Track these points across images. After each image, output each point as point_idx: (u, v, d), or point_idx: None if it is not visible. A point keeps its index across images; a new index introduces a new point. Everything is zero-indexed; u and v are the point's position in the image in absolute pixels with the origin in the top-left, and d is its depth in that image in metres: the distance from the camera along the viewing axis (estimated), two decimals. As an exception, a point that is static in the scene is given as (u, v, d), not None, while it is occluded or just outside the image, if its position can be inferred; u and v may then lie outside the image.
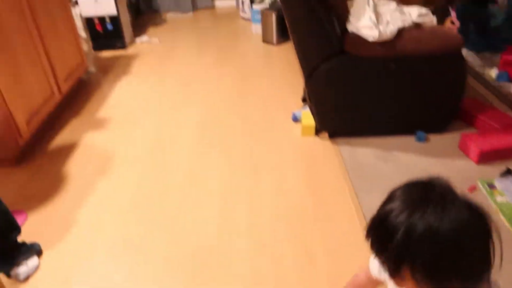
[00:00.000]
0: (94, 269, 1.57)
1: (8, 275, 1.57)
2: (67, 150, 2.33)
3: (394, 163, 2.01)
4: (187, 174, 2.06)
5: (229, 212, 1.81)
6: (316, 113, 2.17)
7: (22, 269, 1.57)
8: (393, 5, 2.18)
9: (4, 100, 2.05)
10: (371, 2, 2.12)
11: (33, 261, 1.61)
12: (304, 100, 2.56)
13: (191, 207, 1.85)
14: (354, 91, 2.08)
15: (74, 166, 2.18)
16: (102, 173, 2.12)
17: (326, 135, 2.26)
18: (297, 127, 2.37)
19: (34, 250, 1.65)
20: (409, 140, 2.16)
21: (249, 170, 2.07)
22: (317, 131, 2.28)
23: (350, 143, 2.18)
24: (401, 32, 1.99)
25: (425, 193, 0.71)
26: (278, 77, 3.03)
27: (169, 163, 2.16)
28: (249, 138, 2.33)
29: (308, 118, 2.28)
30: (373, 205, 1.66)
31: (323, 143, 2.22)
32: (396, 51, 1.98)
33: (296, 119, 2.43)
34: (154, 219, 1.79)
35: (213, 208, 1.84)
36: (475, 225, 0.69)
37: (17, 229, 1.62)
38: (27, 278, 1.57)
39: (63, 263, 1.61)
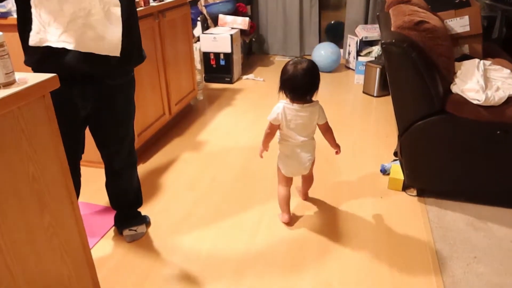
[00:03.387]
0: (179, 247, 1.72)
1: (121, 233, 1.95)
2: (166, 164, 2.58)
3: (486, 233, 1.87)
4: (265, 204, 2.15)
5: (299, 247, 1.84)
6: (406, 168, 2.13)
7: (132, 233, 1.93)
8: (507, 72, 2.10)
9: (125, 113, 2.38)
10: (481, 66, 2.07)
11: (142, 229, 1.96)
12: (396, 154, 2.52)
13: (264, 234, 1.92)
14: (451, 152, 2.01)
15: (169, 178, 2.41)
16: (190, 189, 2.32)
17: (414, 191, 2.20)
18: (384, 179, 2.33)
19: (145, 221, 2.01)
20: (508, 213, 2.00)
21: (328, 210, 2.09)
22: (405, 187, 2.22)
23: (439, 205, 2.08)
24: None
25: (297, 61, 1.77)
26: (372, 128, 3.03)
27: (250, 191, 2.27)
28: (333, 180, 2.35)
29: (397, 171, 2.24)
30: (455, 272, 1.59)
31: (409, 199, 2.16)
32: (504, 118, 1.89)
33: (384, 171, 2.40)
34: (230, 236, 1.89)
35: (283, 239, 1.88)
36: (315, 68, 1.76)
37: (140, 203, 2.00)
38: (133, 241, 1.91)
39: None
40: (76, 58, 1.44)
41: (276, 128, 1.84)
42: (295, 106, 1.76)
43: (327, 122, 1.88)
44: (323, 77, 4.46)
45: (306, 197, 2.19)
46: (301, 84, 1.73)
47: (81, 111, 1.60)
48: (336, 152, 1.99)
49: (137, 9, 2.37)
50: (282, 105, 1.78)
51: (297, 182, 2.17)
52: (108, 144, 1.75)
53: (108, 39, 1.44)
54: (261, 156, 1.97)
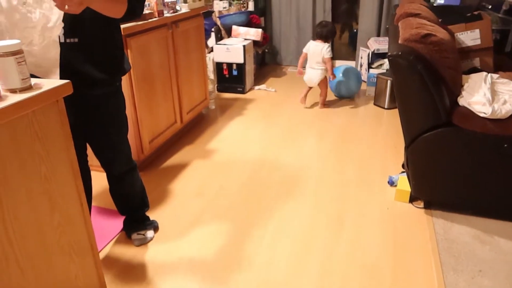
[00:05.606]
0: (183, 258, 1.75)
1: (129, 237, 1.99)
2: (176, 171, 2.63)
3: (492, 247, 1.86)
4: (272, 212, 2.17)
5: (303, 255, 1.85)
6: (412, 180, 2.14)
7: (140, 237, 1.97)
8: (515, 85, 2.10)
9: (137, 121, 2.45)
10: (488, 80, 2.08)
11: (150, 233, 2.00)
12: (404, 166, 2.52)
13: (269, 241, 1.94)
14: (458, 165, 2.01)
15: (178, 185, 2.46)
16: (198, 195, 2.35)
17: (421, 203, 2.20)
18: (391, 191, 2.34)
19: (153, 225, 2.05)
20: (515, 228, 1.99)
21: (333, 220, 2.10)
22: (412, 199, 2.22)
23: (445, 217, 2.08)
24: (519, 112, 1.90)
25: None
26: (382, 140, 3.04)
27: (257, 199, 2.30)
28: (340, 191, 2.37)
29: (404, 183, 2.25)
30: (459, 285, 1.59)
31: (416, 211, 2.16)
32: (511, 131, 1.89)
33: (392, 183, 2.40)
34: (236, 242, 1.92)
35: (288, 247, 1.90)
36: (329, 25, 3.68)
37: (146, 206, 2.04)
38: (141, 245, 1.95)
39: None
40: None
41: (305, 55, 3.66)
42: (315, 42, 3.59)
43: (328, 58, 3.50)
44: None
45: (322, 106, 3.72)
46: (320, 30, 3.57)
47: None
48: (331, 78, 3.62)
49: (151, 20, 2.47)
50: (309, 43, 3.64)
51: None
52: (101, 152, 1.77)
53: (44, 67, 1.45)
54: (299, 74, 3.79)
